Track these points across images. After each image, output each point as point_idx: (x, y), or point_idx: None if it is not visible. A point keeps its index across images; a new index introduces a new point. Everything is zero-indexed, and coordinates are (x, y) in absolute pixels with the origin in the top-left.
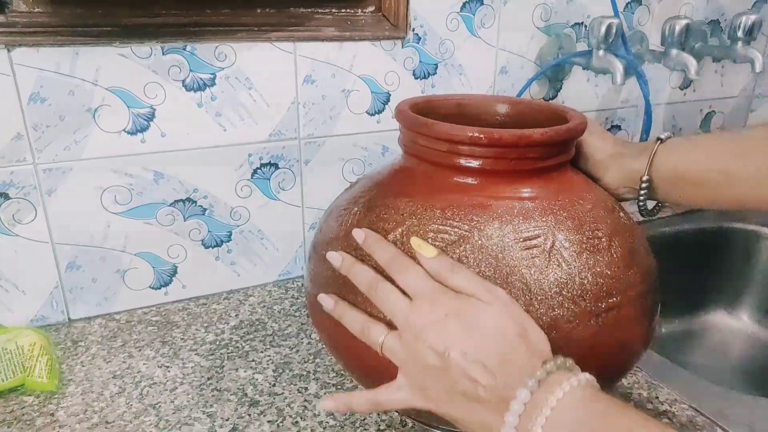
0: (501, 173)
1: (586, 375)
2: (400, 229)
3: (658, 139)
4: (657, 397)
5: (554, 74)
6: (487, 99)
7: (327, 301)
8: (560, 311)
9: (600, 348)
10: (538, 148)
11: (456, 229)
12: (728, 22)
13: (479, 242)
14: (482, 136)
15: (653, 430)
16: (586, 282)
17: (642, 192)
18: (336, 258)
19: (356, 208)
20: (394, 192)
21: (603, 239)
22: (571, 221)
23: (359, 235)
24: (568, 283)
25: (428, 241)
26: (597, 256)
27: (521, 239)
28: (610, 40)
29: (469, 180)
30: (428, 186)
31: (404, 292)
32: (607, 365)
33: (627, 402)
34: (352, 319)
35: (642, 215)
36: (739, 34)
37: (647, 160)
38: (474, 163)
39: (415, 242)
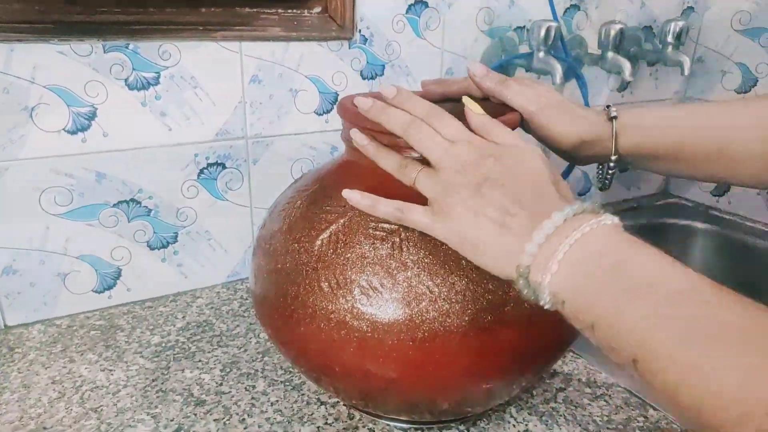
0: None
1: (613, 217)
2: (342, 221)
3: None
4: (595, 381)
5: None
6: (425, 95)
7: (359, 136)
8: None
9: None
10: None
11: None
12: (660, 27)
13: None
14: None
15: (673, 268)
16: None
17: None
18: (365, 102)
19: (299, 201)
20: (336, 185)
21: None
22: None
23: (390, 90)
24: None
25: (369, 231)
26: None
27: None
28: (550, 43)
29: None
30: (370, 178)
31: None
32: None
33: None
34: (388, 157)
35: (603, 181)
36: (669, 39)
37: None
38: (414, 154)
39: (466, 100)
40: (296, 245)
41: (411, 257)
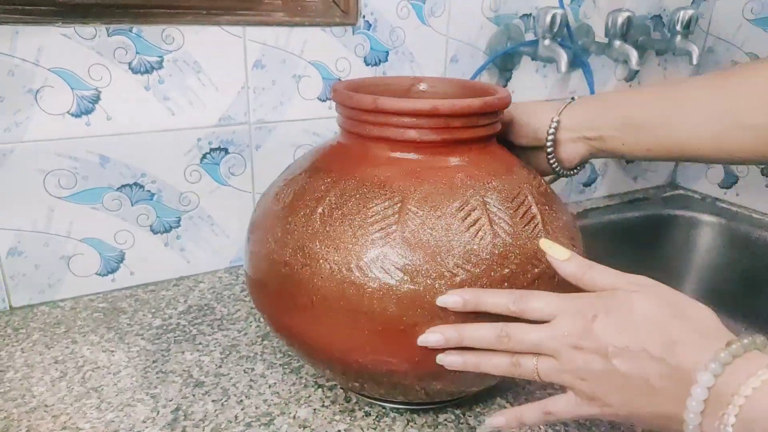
0: (436, 144)
1: None
2: (342, 209)
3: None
4: None
5: (503, 64)
6: (417, 79)
7: (454, 359)
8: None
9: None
10: (472, 117)
11: (396, 205)
12: (669, 16)
13: (420, 213)
14: (425, 107)
15: None
16: (528, 245)
17: (550, 134)
18: (450, 332)
19: (290, 189)
20: (329, 168)
21: (532, 204)
22: (507, 187)
23: (455, 301)
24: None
25: (368, 214)
26: (535, 219)
27: (459, 208)
28: (555, 30)
29: (401, 153)
30: (364, 160)
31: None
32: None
33: None
34: (496, 363)
35: (557, 171)
36: (678, 27)
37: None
38: (409, 134)
39: (545, 244)
40: (287, 237)
41: (413, 229)
